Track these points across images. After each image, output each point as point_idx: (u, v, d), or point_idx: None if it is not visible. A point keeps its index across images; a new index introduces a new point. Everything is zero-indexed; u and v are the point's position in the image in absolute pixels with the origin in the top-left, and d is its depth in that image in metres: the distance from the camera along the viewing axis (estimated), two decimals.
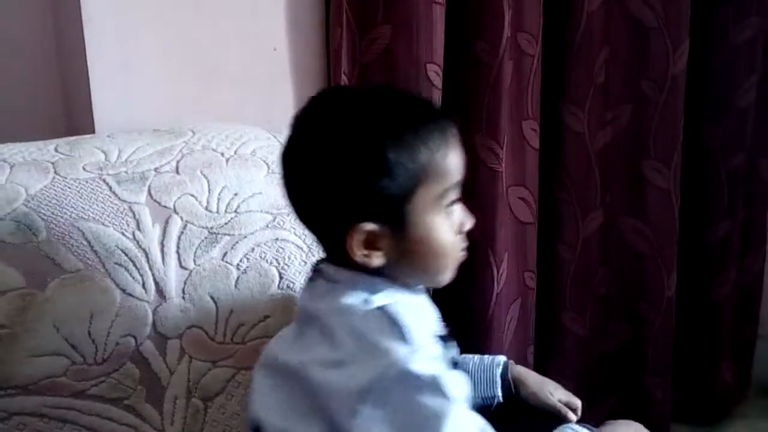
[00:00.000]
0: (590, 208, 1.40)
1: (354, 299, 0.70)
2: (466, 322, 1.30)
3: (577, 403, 0.85)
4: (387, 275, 0.71)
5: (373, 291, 0.70)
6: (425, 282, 0.76)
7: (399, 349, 0.65)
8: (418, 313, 0.70)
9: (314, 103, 0.73)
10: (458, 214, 0.73)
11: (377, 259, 0.70)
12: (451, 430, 0.64)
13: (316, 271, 0.76)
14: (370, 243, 0.69)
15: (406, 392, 0.64)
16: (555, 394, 0.86)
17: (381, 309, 0.68)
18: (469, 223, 0.74)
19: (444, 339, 0.74)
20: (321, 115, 0.71)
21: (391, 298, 0.70)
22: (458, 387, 0.66)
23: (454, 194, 0.71)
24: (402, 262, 0.71)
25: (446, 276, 0.74)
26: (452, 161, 0.70)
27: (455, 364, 0.89)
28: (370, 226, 0.68)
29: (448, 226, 0.71)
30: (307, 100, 0.73)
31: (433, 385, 0.64)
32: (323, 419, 0.68)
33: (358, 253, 0.69)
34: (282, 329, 0.80)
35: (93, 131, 1.01)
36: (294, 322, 0.78)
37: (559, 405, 0.85)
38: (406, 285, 0.73)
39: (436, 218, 0.70)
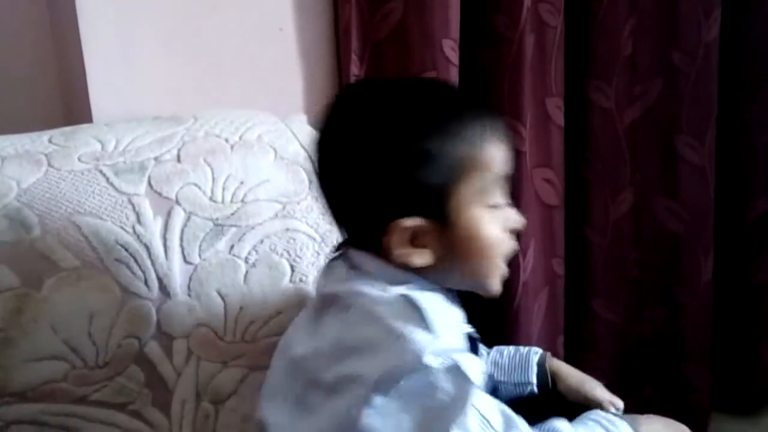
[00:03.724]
0: (620, 188, 1.34)
1: (375, 287, 0.67)
2: (492, 313, 1.25)
3: (620, 404, 0.80)
4: (424, 275, 0.68)
5: (398, 282, 0.67)
6: (472, 285, 0.72)
7: (419, 336, 0.62)
8: (441, 307, 0.68)
9: (349, 93, 0.72)
10: (506, 211, 0.71)
11: (421, 258, 0.67)
12: (472, 416, 0.61)
13: (337, 255, 0.73)
14: (414, 240, 0.67)
15: (425, 380, 0.61)
16: (596, 391, 0.81)
17: (403, 296, 0.66)
18: (518, 222, 0.71)
19: (471, 341, 0.71)
20: (357, 104, 0.70)
21: (414, 291, 0.67)
22: (476, 372, 0.63)
23: (498, 189, 0.69)
24: (448, 260, 0.68)
25: (494, 280, 0.71)
26: (495, 154, 0.68)
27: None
28: (414, 221, 0.66)
29: (494, 222, 0.69)
30: (341, 90, 0.72)
31: (453, 371, 0.62)
32: (331, 412, 0.65)
33: (400, 251, 0.67)
34: (299, 315, 0.76)
35: (90, 121, 0.97)
36: (307, 309, 0.75)
37: (603, 398, 0.80)
38: (439, 286, 0.70)
39: (481, 212, 0.68)
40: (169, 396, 0.81)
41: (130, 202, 0.82)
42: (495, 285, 0.72)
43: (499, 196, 0.70)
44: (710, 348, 1.45)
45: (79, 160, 0.84)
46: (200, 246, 0.83)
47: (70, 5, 0.95)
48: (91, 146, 0.86)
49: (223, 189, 0.86)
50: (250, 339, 0.84)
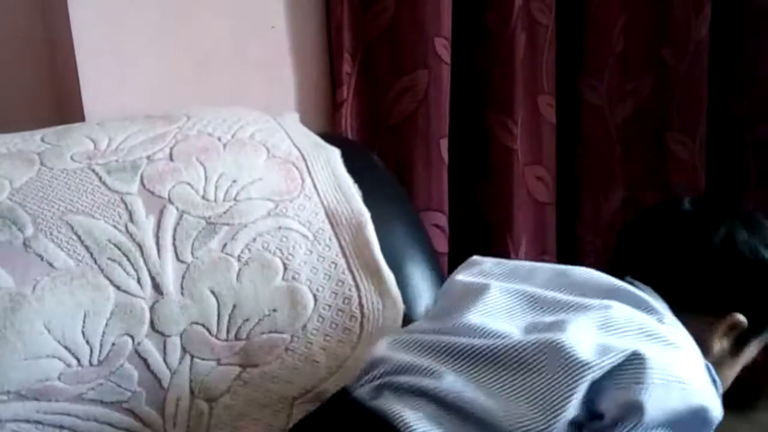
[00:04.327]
0: (611, 185, 1.36)
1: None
2: None
3: None
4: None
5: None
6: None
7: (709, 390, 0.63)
8: None
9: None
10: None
11: (723, 353, 0.73)
12: None
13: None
14: (734, 337, 0.73)
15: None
16: None
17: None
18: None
19: None
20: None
21: None
22: None
23: None
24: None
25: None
26: None
27: None
28: (741, 324, 0.73)
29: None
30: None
31: None
32: None
33: (720, 340, 0.73)
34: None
35: (83, 119, 0.97)
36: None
37: None
38: None
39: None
40: (163, 394, 0.81)
41: (122, 200, 0.82)
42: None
43: None
44: None
45: (71, 159, 0.83)
46: (193, 244, 0.83)
47: (62, 5, 0.95)
48: (84, 145, 0.86)
49: (216, 187, 0.86)
50: (243, 337, 0.84)
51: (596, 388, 0.59)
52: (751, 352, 0.77)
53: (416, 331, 0.74)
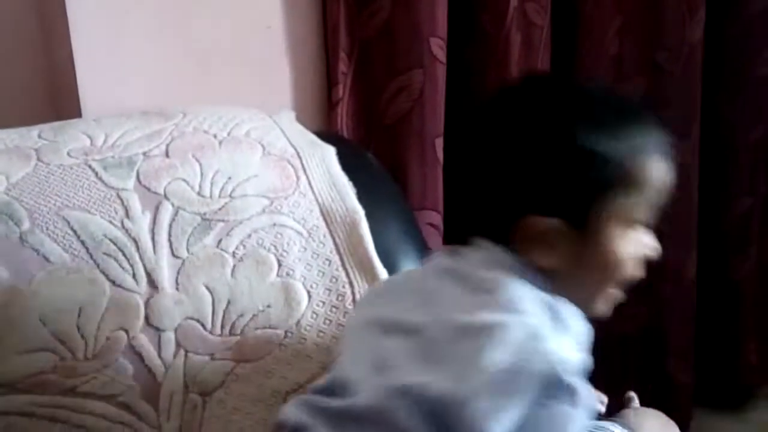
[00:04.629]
0: None
1: (521, 285, 0.63)
2: None
3: (604, 398, 0.81)
4: (547, 281, 0.65)
5: (534, 284, 0.64)
6: (581, 301, 0.67)
7: (567, 352, 0.59)
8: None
9: (531, 81, 0.73)
10: (646, 238, 0.68)
11: (547, 259, 0.64)
12: None
13: (460, 245, 0.69)
14: (546, 240, 0.64)
15: (563, 410, 0.58)
16: None
17: (548, 301, 0.62)
18: (654, 250, 0.69)
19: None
20: (536, 93, 0.68)
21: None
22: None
23: (647, 212, 0.66)
24: (571, 270, 0.65)
25: (605, 303, 0.69)
26: (656, 175, 0.66)
27: None
28: (552, 222, 0.63)
29: (631, 244, 0.66)
30: (522, 76, 0.74)
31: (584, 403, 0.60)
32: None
33: (528, 247, 0.64)
34: (374, 287, 0.76)
35: (79, 116, 0.97)
36: (393, 282, 0.74)
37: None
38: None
39: (623, 230, 0.65)
40: (157, 388, 0.81)
41: (118, 196, 0.82)
42: (603, 308, 0.69)
43: (645, 219, 0.67)
44: (693, 344, 1.47)
45: (68, 154, 0.84)
46: (188, 240, 0.84)
47: (59, 1, 0.95)
48: (80, 141, 0.86)
49: (212, 184, 0.87)
50: (238, 332, 0.84)
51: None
52: (605, 231, 0.65)
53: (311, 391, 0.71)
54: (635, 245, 0.66)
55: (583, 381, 0.60)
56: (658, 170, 0.66)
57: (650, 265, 1.43)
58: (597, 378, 0.85)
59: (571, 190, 0.63)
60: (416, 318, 0.65)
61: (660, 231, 1.38)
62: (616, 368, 1.44)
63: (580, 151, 0.63)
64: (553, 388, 0.57)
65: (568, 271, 0.65)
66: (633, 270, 0.68)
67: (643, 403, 0.83)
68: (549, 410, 0.58)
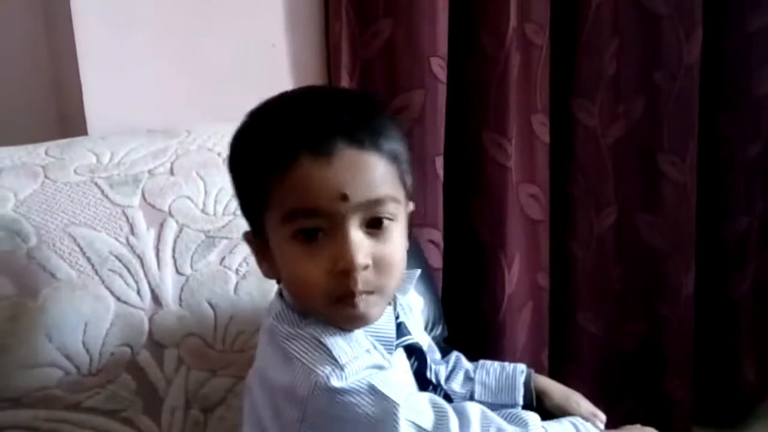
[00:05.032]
0: (604, 203, 1.37)
1: (286, 322, 0.67)
2: (477, 326, 1.27)
3: (603, 417, 0.82)
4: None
5: (302, 312, 0.66)
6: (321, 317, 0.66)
7: (327, 370, 0.62)
8: (342, 336, 0.65)
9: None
10: (330, 247, 0.62)
11: (267, 271, 0.69)
12: (404, 428, 0.62)
13: None
14: (260, 252, 0.69)
15: (348, 409, 0.61)
16: (581, 405, 0.82)
17: (311, 334, 0.64)
18: (344, 263, 0.62)
19: (412, 350, 0.72)
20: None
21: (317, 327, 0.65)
22: (396, 384, 0.64)
23: (302, 222, 0.62)
24: (283, 280, 0.69)
25: (317, 314, 0.65)
26: (289, 183, 0.62)
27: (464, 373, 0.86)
28: (248, 236, 0.70)
29: (301, 257, 0.63)
30: None
31: (370, 394, 0.62)
32: None
33: (255, 258, 0.70)
34: None
35: (86, 133, 0.98)
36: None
37: (587, 412, 0.81)
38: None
39: (288, 244, 0.63)
40: (160, 403, 0.82)
41: (124, 213, 0.84)
42: (333, 324, 0.65)
43: (314, 229, 0.62)
44: (691, 361, 1.47)
45: (74, 172, 0.85)
46: (192, 257, 0.85)
47: (66, 20, 0.96)
48: (87, 159, 0.87)
49: (215, 202, 0.88)
50: (239, 349, 0.85)
51: None
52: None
53: None
54: (313, 256, 0.63)
55: None
56: (295, 177, 0.62)
57: (649, 282, 1.44)
58: (596, 395, 0.86)
59: (243, 207, 0.70)
60: None
61: (658, 250, 1.41)
62: (615, 385, 1.44)
63: (236, 170, 0.69)
64: None
65: (284, 282, 0.68)
66: (322, 282, 0.63)
67: (640, 421, 0.83)
68: None
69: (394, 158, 0.65)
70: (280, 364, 0.65)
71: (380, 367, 0.65)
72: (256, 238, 0.68)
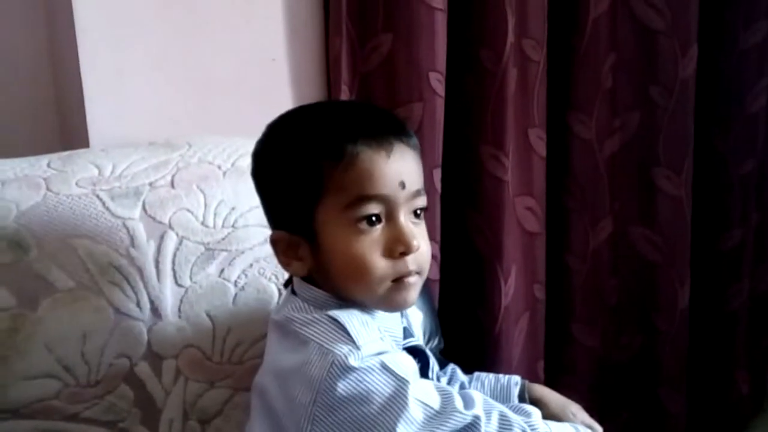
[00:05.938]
0: (600, 217, 1.37)
1: (302, 311, 0.70)
2: (473, 337, 1.27)
3: (599, 429, 0.82)
4: (328, 290, 0.71)
5: (321, 302, 0.70)
6: (351, 298, 0.72)
7: (345, 349, 0.65)
8: (361, 321, 0.70)
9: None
10: (386, 233, 0.69)
11: (298, 268, 0.72)
12: (413, 406, 0.64)
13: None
14: (290, 251, 0.71)
15: (359, 386, 0.64)
16: (578, 415, 0.83)
17: (327, 315, 0.69)
18: (404, 246, 0.69)
19: (416, 352, 0.74)
20: (269, 127, 0.75)
21: (335, 309, 0.69)
22: (407, 367, 0.67)
23: (366, 208, 0.68)
24: (321, 273, 0.71)
25: (377, 303, 0.71)
26: (353, 173, 0.67)
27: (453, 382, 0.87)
28: (280, 234, 0.72)
29: (362, 243, 0.68)
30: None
31: (383, 372, 0.65)
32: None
33: (280, 259, 0.72)
34: None
35: (87, 145, 0.99)
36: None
37: (583, 422, 0.82)
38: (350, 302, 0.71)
39: (346, 231, 0.68)
40: (158, 415, 0.83)
41: (124, 225, 0.84)
42: (382, 307, 0.71)
43: (372, 215, 0.68)
44: (686, 375, 1.47)
45: (76, 184, 0.86)
46: (191, 269, 0.85)
47: (69, 34, 0.97)
48: (89, 171, 0.88)
49: (215, 214, 0.89)
50: (237, 360, 0.86)
51: None
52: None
53: None
54: (372, 243, 0.68)
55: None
56: (355, 168, 0.67)
57: (644, 295, 1.45)
58: (591, 407, 0.87)
59: (285, 205, 0.71)
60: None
61: (654, 263, 1.41)
62: (610, 397, 1.45)
63: (279, 168, 0.71)
64: None
65: (322, 275, 0.71)
66: (381, 266, 0.69)
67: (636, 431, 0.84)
68: None
69: (420, 158, 0.73)
70: (293, 349, 0.68)
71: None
72: (294, 236, 0.71)
